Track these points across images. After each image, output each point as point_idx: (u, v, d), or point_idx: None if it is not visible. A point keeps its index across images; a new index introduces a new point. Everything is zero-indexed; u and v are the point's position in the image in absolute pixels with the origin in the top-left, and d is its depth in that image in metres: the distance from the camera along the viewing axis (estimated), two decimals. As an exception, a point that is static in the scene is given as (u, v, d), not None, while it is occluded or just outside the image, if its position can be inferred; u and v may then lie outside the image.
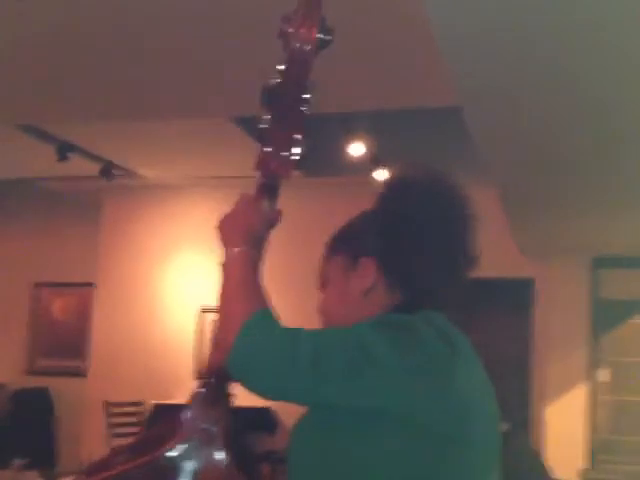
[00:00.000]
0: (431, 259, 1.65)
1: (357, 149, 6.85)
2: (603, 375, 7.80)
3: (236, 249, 1.63)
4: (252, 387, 1.53)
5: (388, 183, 1.77)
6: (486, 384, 1.67)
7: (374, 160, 7.18)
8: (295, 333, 1.51)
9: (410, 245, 1.66)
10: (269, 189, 1.69)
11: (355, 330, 1.54)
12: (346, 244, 1.75)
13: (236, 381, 1.62)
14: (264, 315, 1.55)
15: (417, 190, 1.70)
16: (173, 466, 1.65)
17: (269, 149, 1.67)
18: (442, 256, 1.66)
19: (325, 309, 1.76)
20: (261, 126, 1.66)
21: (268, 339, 1.50)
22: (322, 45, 1.63)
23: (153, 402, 8.41)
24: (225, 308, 1.60)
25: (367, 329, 1.52)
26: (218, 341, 1.72)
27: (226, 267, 1.64)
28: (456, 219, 1.69)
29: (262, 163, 1.68)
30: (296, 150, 1.67)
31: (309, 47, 1.62)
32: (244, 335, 1.51)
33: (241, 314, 1.54)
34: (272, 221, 1.70)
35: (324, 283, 1.77)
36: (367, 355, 1.47)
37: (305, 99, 1.66)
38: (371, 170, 7.30)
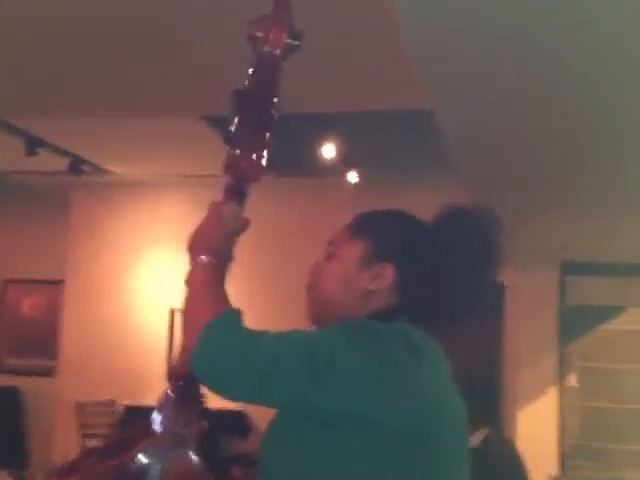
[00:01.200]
0: (449, 291, 1.69)
1: (329, 151, 6.86)
2: (572, 380, 7.85)
3: (200, 258, 1.65)
4: (214, 388, 1.54)
5: (446, 212, 1.76)
6: (453, 391, 1.68)
7: (346, 162, 7.19)
8: (258, 335, 1.52)
9: (435, 277, 1.68)
10: (237, 192, 1.69)
11: (321, 333, 1.57)
12: (377, 236, 1.75)
13: (200, 382, 1.63)
14: (227, 317, 1.55)
15: (467, 231, 1.72)
16: (143, 469, 1.65)
17: (238, 152, 1.67)
18: (462, 289, 1.70)
19: (319, 277, 1.76)
20: (230, 129, 1.66)
21: (230, 340, 1.51)
22: (291, 50, 1.64)
23: (125, 403, 8.37)
24: (189, 314, 1.62)
25: (334, 332, 1.54)
26: (183, 345, 1.72)
27: (190, 276, 1.66)
28: (489, 268, 1.74)
29: (231, 166, 1.68)
30: (265, 153, 1.68)
31: (278, 52, 1.62)
32: (206, 336, 1.52)
33: (204, 317, 1.54)
34: (239, 229, 1.71)
35: (333, 255, 1.76)
36: (331, 358, 1.48)
37: (274, 102, 1.66)
38: (342, 172, 7.32)
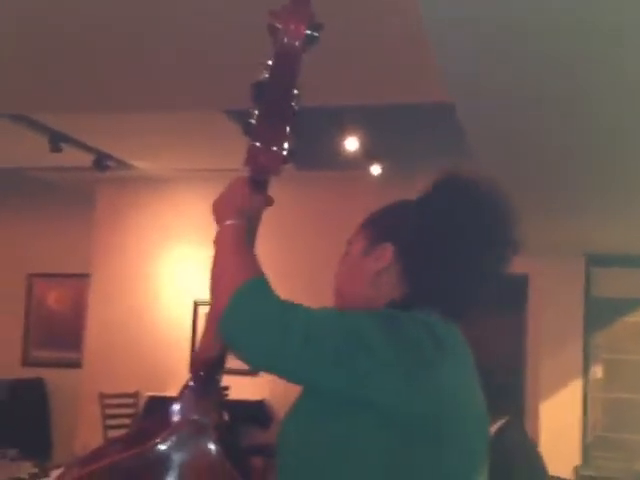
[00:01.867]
0: (451, 266, 1.65)
1: (351, 144, 6.86)
2: (596, 372, 7.82)
3: (228, 222, 1.64)
4: (241, 354, 1.52)
5: (436, 182, 1.73)
6: (475, 385, 1.67)
7: (368, 155, 7.19)
8: (290, 306, 1.51)
9: (433, 248, 1.66)
10: (258, 184, 1.70)
11: (353, 315, 1.55)
12: (375, 225, 1.76)
13: (227, 345, 1.62)
14: (258, 283, 1.54)
15: (461, 198, 1.68)
16: (164, 457, 1.67)
17: (258, 144, 1.67)
18: (464, 266, 1.66)
19: (336, 277, 1.78)
20: (250, 121, 1.67)
21: (262, 306, 1.50)
22: (310, 41, 1.64)
23: (148, 394, 8.43)
24: (219, 276, 1.60)
25: (364, 317, 1.53)
26: (207, 329, 1.72)
27: (218, 240, 1.64)
28: (492, 234, 1.67)
29: (251, 158, 1.68)
30: (286, 145, 1.68)
31: (297, 43, 1.62)
32: (237, 299, 1.50)
33: (235, 280, 1.53)
34: (264, 202, 1.72)
35: (346, 253, 1.78)
36: (361, 341, 1.47)
37: (294, 94, 1.66)
38: (365, 165, 7.31)
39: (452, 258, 1.65)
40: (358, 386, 1.47)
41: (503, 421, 3.38)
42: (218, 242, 1.64)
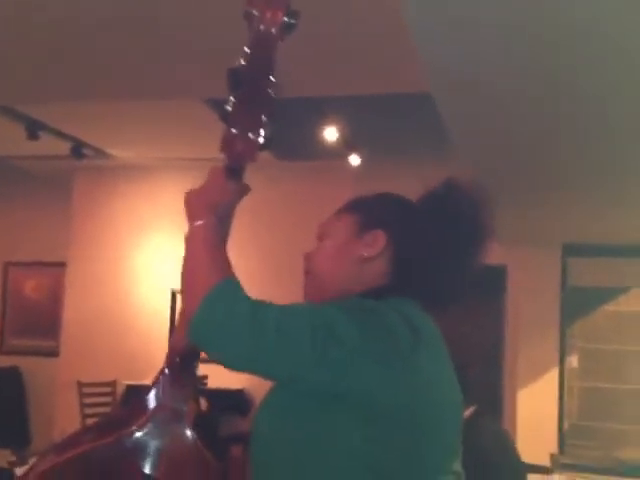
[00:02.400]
0: (440, 263, 1.68)
1: (330, 134, 6.85)
2: (572, 361, 7.88)
3: (200, 221, 1.62)
4: (215, 356, 1.51)
5: (442, 183, 1.75)
6: (450, 373, 1.68)
7: (347, 145, 7.19)
8: (261, 305, 1.51)
9: (430, 243, 1.68)
10: (234, 171, 1.68)
11: (324, 308, 1.55)
12: (367, 209, 1.76)
13: (200, 348, 1.61)
14: (228, 284, 1.53)
15: (459, 203, 1.71)
16: (139, 444, 1.67)
17: (234, 131, 1.66)
18: (451, 263, 1.69)
19: (314, 259, 1.77)
20: (227, 108, 1.66)
21: (232, 307, 1.49)
22: (287, 29, 1.63)
23: (126, 383, 8.41)
24: (190, 276, 1.58)
25: (336, 309, 1.53)
26: (182, 316, 1.71)
27: (190, 239, 1.62)
28: (480, 241, 1.71)
29: (227, 145, 1.67)
30: (262, 133, 1.67)
31: (274, 30, 1.61)
32: (208, 303, 1.49)
33: (205, 283, 1.52)
34: (239, 193, 1.70)
35: (324, 235, 1.78)
36: (333, 333, 1.47)
37: (271, 82, 1.65)
38: (344, 155, 7.31)
39: (443, 254, 1.68)
40: (333, 379, 1.47)
41: (471, 410, 3.41)
42: (189, 241, 1.62)
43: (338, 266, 1.73)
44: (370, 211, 1.76)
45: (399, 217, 1.72)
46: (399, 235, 1.70)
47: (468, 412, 3.34)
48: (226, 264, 1.59)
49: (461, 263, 1.70)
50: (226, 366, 1.52)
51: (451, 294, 1.74)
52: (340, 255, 1.73)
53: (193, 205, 1.66)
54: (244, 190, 1.71)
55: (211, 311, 1.49)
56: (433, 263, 1.68)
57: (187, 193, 1.68)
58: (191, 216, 1.64)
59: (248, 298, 1.51)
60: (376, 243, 1.70)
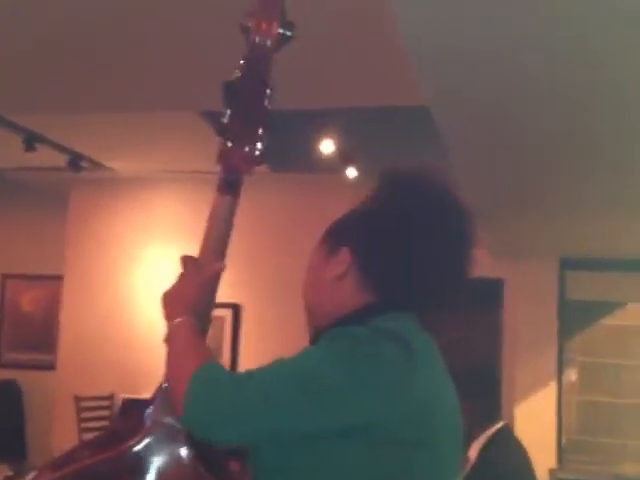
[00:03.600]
0: (407, 262, 1.65)
1: (327, 146, 6.85)
2: (571, 375, 7.86)
3: (177, 320, 1.66)
4: (215, 440, 1.55)
5: (378, 180, 1.75)
6: (448, 386, 1.67)
7: (344, 157, 7.18)
8: (243, 377, 1.52)
9: (387, 245, 1.66)
10: (230, 185, 1.68)
11: (304, 358, 1.55)
12: (331, 234, 1.77)
13: (200, 439, 1.61)
14: (210, 368, 1.55)
15: (406, 191, 1.70)
16: (137, 461, 1.65)
17: (230, 144, 1.66)
18: (420, 261, 1.65)
19: (303, 293, 1.79)
20: (223, 121, 1.66)
21: (217, 390, 1.51)
22: (283, 40, 1.63)
23: (123, 396, 8.38)
24: (172, 374, 1.62)
25: (317, 353, 1.54)
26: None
27: (169, 338, 1.66)
28: (443, 225, 1.68)
29: (224, 158, 1.67)
30: (258, 145, 1.67)
31: (269, 42, 1.61)
32: (192, 390, 1.51)
33: (187, 374, 1.54)
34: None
35: (308, 269, 1.79)
36: (320, 380, 1.48)
37: (267, 94, 1.65)
38: (341, 168, 7.30)
39: (407, 255, 1.65)
40: (331, 419, 1.48)
41: (500, 425, 3.39)
42: (169, 340, 1.66)
43: (319, 293, 1.74)
44: (334, 232, 1.77)
45: (359, 229, 1.71)
46: (361, 246, 1.69)
47: (498, 426, 3.33)
48: (207, 354, 1.62)
49: (435, 265, 1.67)
50: (229, 446, 1.58)
51: (429, 299, 1.70)
52: (318, 283, 1.74)
53: (169, 305, 1.71)
54: (219, 271, 1.73)
55: (196, 399, 1.51)
56: (403, 267, 1.65)
57: (163, 294, 1.72)
58: (168, 316, 1.69)
59: (228, 376, 1.54)
60: (341, 259, 1.70)
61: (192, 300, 1.68)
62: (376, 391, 1.49)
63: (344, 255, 1.69)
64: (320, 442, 1.50)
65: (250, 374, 1.52)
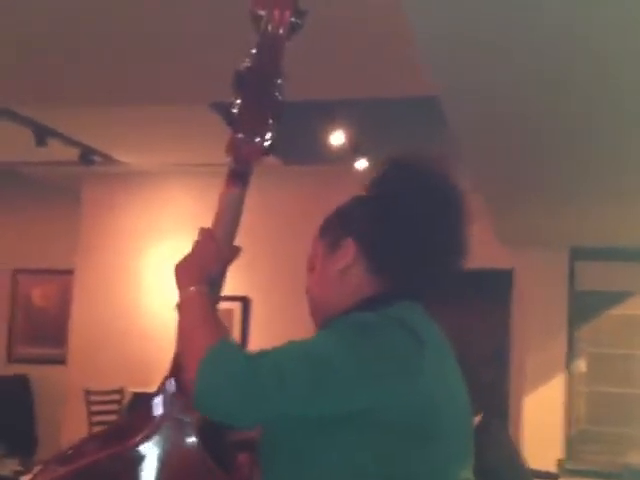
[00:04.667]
0: (413, 248, 1.65)
1: (338, 138, 6.83)
2: (580, 366, 7.85)
3: (190, 288, 1.64)
4: (224, 419, 1.55)
5: (380, 167, 1.76)
6: (456, 376, 1.67)
7: (355, 149, 7.17)
8: (257, 358, 1.51)
9: (392, 232, 1.65)
10: (240, 175, 1.68)
11: (317, 342, 1.56)
12: (331, 227, 1.76)
13: (208, 417, 1.61)
14: (222, 346, 1.54)
15: (408, 178, 1.70)
16: (143, 456, 1.65)
17: (240, 135, 1.65)
18: (425, 247, 1.66)
19: (309, 290, 1.78)
20: (233, 111, 1.65)
21: (230, 368, 1.49)
22: (294, 29, 1.62)
23: (132, 390, 8.40)
24: (185, 347, 1.60)
25: (328, 340, 1.54)
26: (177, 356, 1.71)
27: (181, 307, 1.64)
28: (445, 210, 1.68)
29: (233, 148, 1.66)
30: (268, 135, 1.66)
31: (281, 31, 1.61)
32: (206, 369, 1.50)
33: (199, 350, 1.52)
34: (229, 258, 1.71)
35: (311, 266, 1.78)
36: (328, 367, 1.48)
37: (278, 84, 1.64)
38: (352, 159, 7.29)
39: (412, 238, 1.65)
40: (340, 408, 1.49)
41: (478, 418, 3.39)
42: (181, 310, 1.64)
43: (326, 289, 1.73)
44: (335, 224, 1.75)
45: (362, 219, 1.71)
46: (366, 236, 1.69)
47: (476, 419, 3.32)
48: (219, 328, 1.60)
49: (438, 251, 1.67)
50: (237, 425, 1.58)
51: (438, 285, 1.70)
52: (324, 280, 1.73)
53: (183, 274, 1.68)
54: (235, 253, 1.72)
55: (209, 379, 1.49)
56: (409, 254, 1.65)
57: (177, 262, 1.70)
58: (181, 284, 1.66)
59: (242, 355, 1.52)
60: (346, 251, 1.69)
61: (207, 269, 1.66)
62: (384, 379, 1.50)
63: (347, 246, 1.69)
64: (326, 427, 1.51)
65: (264, 355, 1.52)
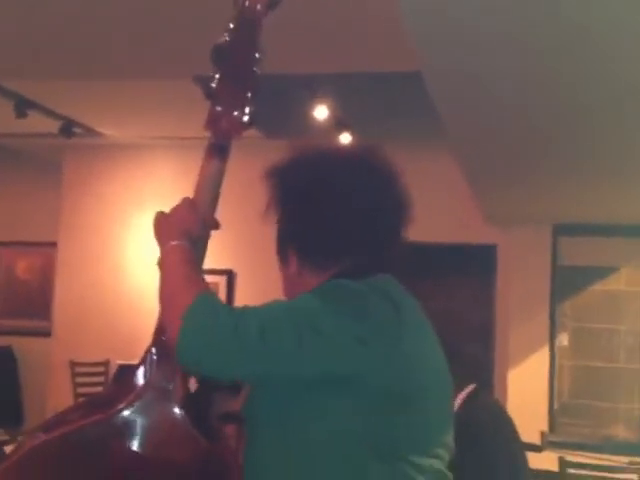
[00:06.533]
0: (344, 223, 1.69)
1: (321, 112, 6.82)
2: (563, 340, 7.90)
3: (172, 242, 1.64)
4: (206, 372, 1.57)
5: (274, 172, 1.89)
6: (435, 347, 1.69)
7: (338, 123, 7.16)
8: (239, 312, 1.52)
9: (307, 220, 1.73)
10: (220, 148, 1.69)
11: (300, 303, 1.58)
12: (278, 251, 1.83)
13: (190, 369, 1.63)
14: (205, 300, 1.54)
15: (300, 170, 1.84)
16: (126, 423, 1.67)
17: (219, 108, 1.66)
18: (352, 216, 1.69)
19: (284, 295, 1.81)
20: (212, 85, 1.65)
21: (212, 322, 1.50)
22: (273, 4, 1.62)
23: (118, 362, 8.41)
24: (166, 301, 1.61)
25: (311, 301, 1.55)
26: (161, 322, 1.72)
27: (163, 261, 1.65)
28: (353, 174, 1.73)
29: (212, 122, 1.67)
30: (247, 110, 1.67)
31: (259, 6, 1.60)
32: (188, 323, 1.50)
33: (182, 304, 1.53)
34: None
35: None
36: (314, 324, 1.49)
37: (256, 58, 1.65)
38: (334, 134, 7.28)
39: (338, 219, 1.69)
40: (322, 369, 1.50)
41: (471, 388, 3.40)
42: (163, 263, 1.64)
43: (296, 291, 1.74)
44: (279, 248, 1.82)
45: (287, 222, 1.79)
46: (293, 237, 1.76)
47: (469, 389, 3.34)
48: (200, 282, 1.60)
49: (372, 213, 1.70)
50: (219, 378, 1.60)
51: (391, 248, 1.74)
52: (290, 285, 1.80)
53: (162, 229, 1.68)
54: (215, 222, 1.74)
55: (191, 333, 1.50)
56: (343, 229, 1.70)
57: (157, 215, 1.70)
58: (162, 238, 1.67)
59: (226, 310, 1.53)
60: (291, 258, 1.75)
61: (187, 228, 1.66)
62: (367, 341, 1.51)
63: (290, 254, 1.75)
64: (309, 391, 1.53)
65: (247, 309, 1.54)
